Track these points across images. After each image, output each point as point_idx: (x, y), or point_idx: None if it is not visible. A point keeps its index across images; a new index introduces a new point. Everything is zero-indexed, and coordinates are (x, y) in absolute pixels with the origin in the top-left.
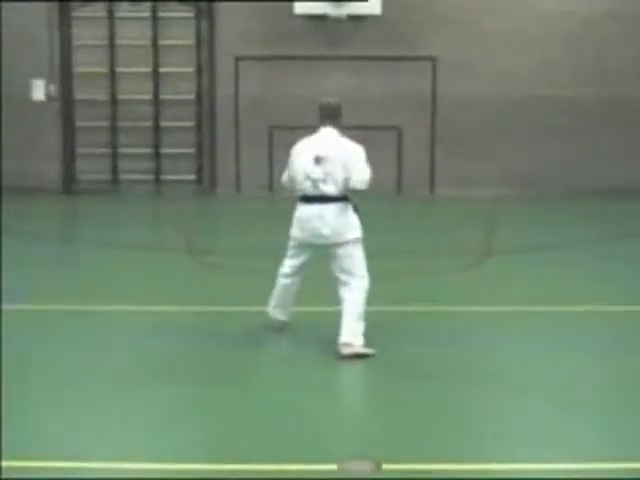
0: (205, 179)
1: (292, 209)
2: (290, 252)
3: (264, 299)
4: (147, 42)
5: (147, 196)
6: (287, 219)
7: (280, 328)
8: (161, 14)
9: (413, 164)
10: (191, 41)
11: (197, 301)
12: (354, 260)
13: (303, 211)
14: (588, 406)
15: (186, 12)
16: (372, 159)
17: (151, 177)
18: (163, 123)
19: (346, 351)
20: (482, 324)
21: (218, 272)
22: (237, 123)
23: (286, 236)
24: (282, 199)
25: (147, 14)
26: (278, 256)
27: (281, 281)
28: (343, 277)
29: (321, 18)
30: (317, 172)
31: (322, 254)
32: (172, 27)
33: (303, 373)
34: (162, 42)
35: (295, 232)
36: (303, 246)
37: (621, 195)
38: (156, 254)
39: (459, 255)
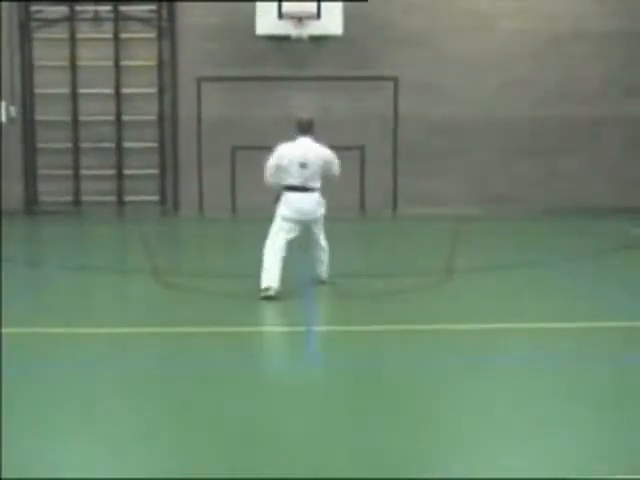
0: (168, 200)
1: (255, 231)
2: (285, 228)
3: (227, 320)
4: (109, 63)
5: (110, 217)
6: (250, 240)
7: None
8: (123, 35)
9: (376, 184)
10: (153, 62)
11: (161, 322)
12: (322, 229)
13: (292, 196)
14: (558, 422)
15: (148, 33)
16: (336, 179)
17: (114, 198)
18: (125, 144)
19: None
20: (443, 342)
21: (182, 293)
22: (200, 144)
23: (249, 257)
24: (245, 220)
25: (109, 35)
26: (241, 277)
27: (279, 255)
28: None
29: (283, 39)
30: (304, 173)
31: None
32: (134, 48)
33: (266, 391)
34: (124, 63)
35: (285, 212)
36: (293, 222)
37: (587, 214)
38: (119, 276)
39: (422, 274)
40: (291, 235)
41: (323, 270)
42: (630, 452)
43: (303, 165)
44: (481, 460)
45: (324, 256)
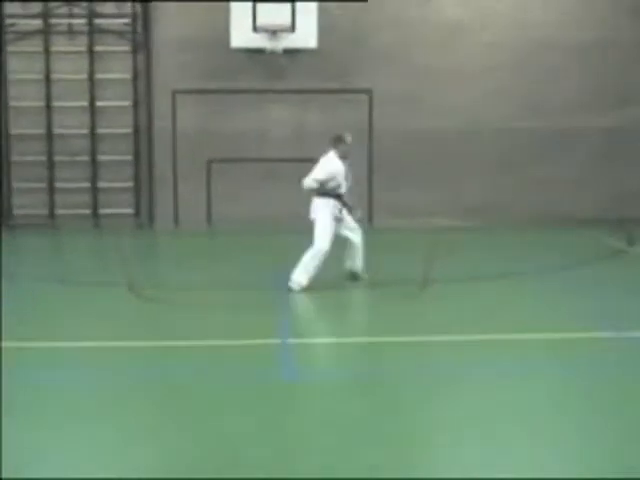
0: (143, 213)
1: (230, 244)
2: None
3: (203, 333)
4: (83, 76)
5: (85, 230)
6: (225, 253)
7: None
8: (97, 48)
9: (352, 196)
10: (128, 75)
11: (136, 336)
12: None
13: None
14: (536, 432)
15: (122, 46)
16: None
17: (88, 211)
18: (100, 157)
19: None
20: (419, 354)
21: (157, 306)
22: (175, 157)
23: (225, 269)
24: (220, 233)
25: (83, 48)
26: (217, 290)
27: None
28: None
29: (258, 52)
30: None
31: None
32: (109, 61)
33: (243, 399)
34: (98, 76)
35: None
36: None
37: (563, 225)
38: (94, 289)
39: (398, 285)
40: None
41: (297, 270)
42: (612, 458)
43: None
44: (454, 469)
45: (304, 256)
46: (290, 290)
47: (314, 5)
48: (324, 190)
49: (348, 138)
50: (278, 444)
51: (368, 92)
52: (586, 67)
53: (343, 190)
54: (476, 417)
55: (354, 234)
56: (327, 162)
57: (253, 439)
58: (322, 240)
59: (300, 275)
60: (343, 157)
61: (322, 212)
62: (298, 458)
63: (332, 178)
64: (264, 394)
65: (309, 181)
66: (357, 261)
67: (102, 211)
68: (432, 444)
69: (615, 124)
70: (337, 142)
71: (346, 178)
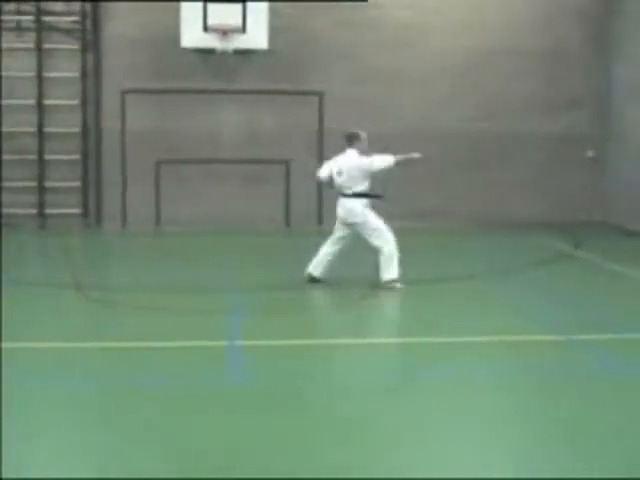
0: (91, 213)
1: (178, 245)
2: (337, 226)
3: (148, 334)
4: (31, 74)
5: (31, 230)
6: (173, 254)
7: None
8: (46, 46)
9: (302, 198)
10: (77, 73)
11: (82, 337)
12: (372, 234)
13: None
14: (487, 435)
15: (71, 44)
16: (262, 193)
17: (35, 211)
18: (48, 156)
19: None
20: (377, 356)
21: (104, 308)
22: (124, 157)
23: (173, 270)
24: (169, 234)
25: (31, 45)
26: (165, 291)
27: (328, 247)
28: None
29: (209, 52)
30: (339, 180)
31: None
32: (57, 59)
33: (192, 401)
34: (47, 74)
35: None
36: (339, 222)
37: (516, 228)
38: (40, 289)
39: (350, 288)
40: (338, 234)
41: (383, 273)
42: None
43: (339, 173)
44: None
45: (380, 259)
46: (395, 288)
47: (265, 5)
48: (358, 190)
49: (363, 134)
50: (230, 445)
51: (319, 94)
52: (536, 72)
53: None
54: (428, 419)
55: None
56: (355, 159)
57: (203, 440)
58: (386, 241)
59: (388, 274)
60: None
61: (366, 213)
62: (259, 459)
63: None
64: (212, 396)
65: (384, 162)
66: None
67: (49, 211)
68: (371, 445)
69: (564, 128)
70: (354, 139)
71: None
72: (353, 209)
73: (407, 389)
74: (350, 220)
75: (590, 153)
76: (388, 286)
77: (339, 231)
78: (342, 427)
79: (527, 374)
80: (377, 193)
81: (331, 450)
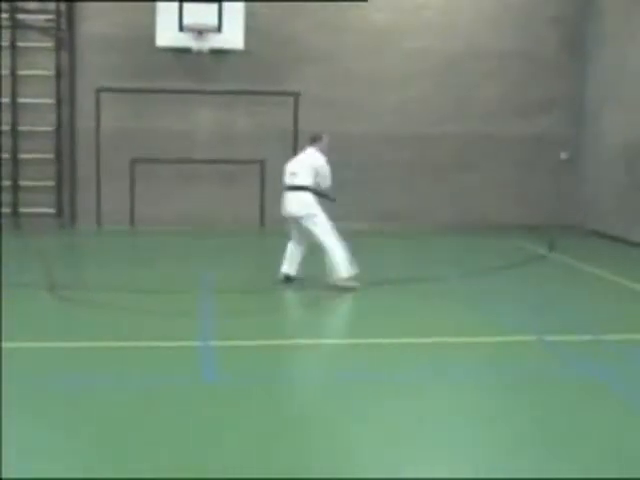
0: (65, 212)
1: (153, 244)
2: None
3: (122, 334)
4: (5, 72)
5: (4, 229)
6: (148, 254)
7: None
8: (20, 44)
9: (276, 198)
10: (51, 72)
11: (54, 337)
12: (316, 230)
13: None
14: (451, 438)
15: (46, 42)
16: (237, 193)
17: (8, 210)
18: (21, 155)
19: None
20: (338, 357)
21: (77, 307)
22: (98, 156)
23: (147, 271)
24: (143, 233)
25: (5, 43)
26: (140, 291)
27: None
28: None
29: (184, 52)
30: (292, 177)
31: None
32: (31, 57)
33: (164, 401)
34: (21, 72)
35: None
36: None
37: (487, 230)
38: (13, 289)
39: (323, 290)
40: (295, 232)
41: (335, 273)
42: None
43: (293, 174)
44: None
45: (330, 259)
46: (353, 289)
47: (241, 5)
48: (310, 185)
49: (326, 138)
50: (197, 446)
51: (295, 94)
52: (509, 75)
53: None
54: (399, 420)
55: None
56: (312, 155)
57: (173, 441)
58: (332, 238)
59: (340, 273)
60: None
61: (318, 207)
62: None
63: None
64: (185, 396)
65: (328, 181)
66: (295, 265)
67: (23, 210)
68: (336, 447)
69: (536, 132)
70: (316, 140)
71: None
72: (306, 199)
73: (384, 389)
74: (303, 212)
75: (564, 155)
76: (341, 284)
77: (295, 230)
78: (297, 426)
79: (499, 375)
80: (328, 194)
81: (280, 449)
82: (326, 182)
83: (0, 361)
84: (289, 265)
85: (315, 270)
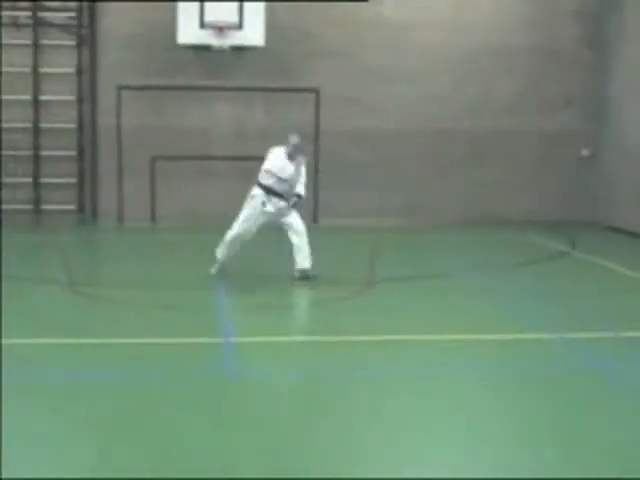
0: (86, 209)
1: (173, 241)
2: None
3: (143, 331)
4: (27, 69)
5: (26, 226)
6: (168, 250)
7: None
8: (42, 42)
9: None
10: (72, 69)
11: (77, 333)
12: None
13: None
14: (462, 434)
15: (67, 40)
16: None
17: (30, 207)
18: (43, 152)
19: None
20: (358, 354)
21: (98, 304)
22: (119, 153)
23: (168, 267)
24: (164, 230)
25: (28, 41)
26: (159, 288)
27: None
28: None
29: (204, 49)
30: None
31: None
32: (53, 55)
33: (178, 403)
34: (43, 70)
35: None
36: None
37: (503, 226)
38: (35, 286)
39: (339, 285)
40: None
41: (298, 262)
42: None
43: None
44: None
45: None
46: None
47: (261, 3)
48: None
49: (292, 139)
50: (220, 443)
51: (315, 91)
52: (528, 70)
53: (294, 189)
54: (413, 418)
55: (292, 234)
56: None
57: (196, 438)
58: (236, 226)
59: (302, 264)
60: (290, 156)
61: (249, 202)
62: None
63: (268, 170)
64: (206, 392)
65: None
66: (300, 260)
67: (44, 207)
68: (368, 444)
69: (555, 128)
70: (286, 141)
71: (292, 177)
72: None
73: (397, 386)
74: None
75: (586, 151)
76: (299, 275)
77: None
78: (297, 426)
79: (505, 372)
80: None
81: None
82: (303, 186)
83: (0, 358)
84: (302, 260)
85: (322, 268)
